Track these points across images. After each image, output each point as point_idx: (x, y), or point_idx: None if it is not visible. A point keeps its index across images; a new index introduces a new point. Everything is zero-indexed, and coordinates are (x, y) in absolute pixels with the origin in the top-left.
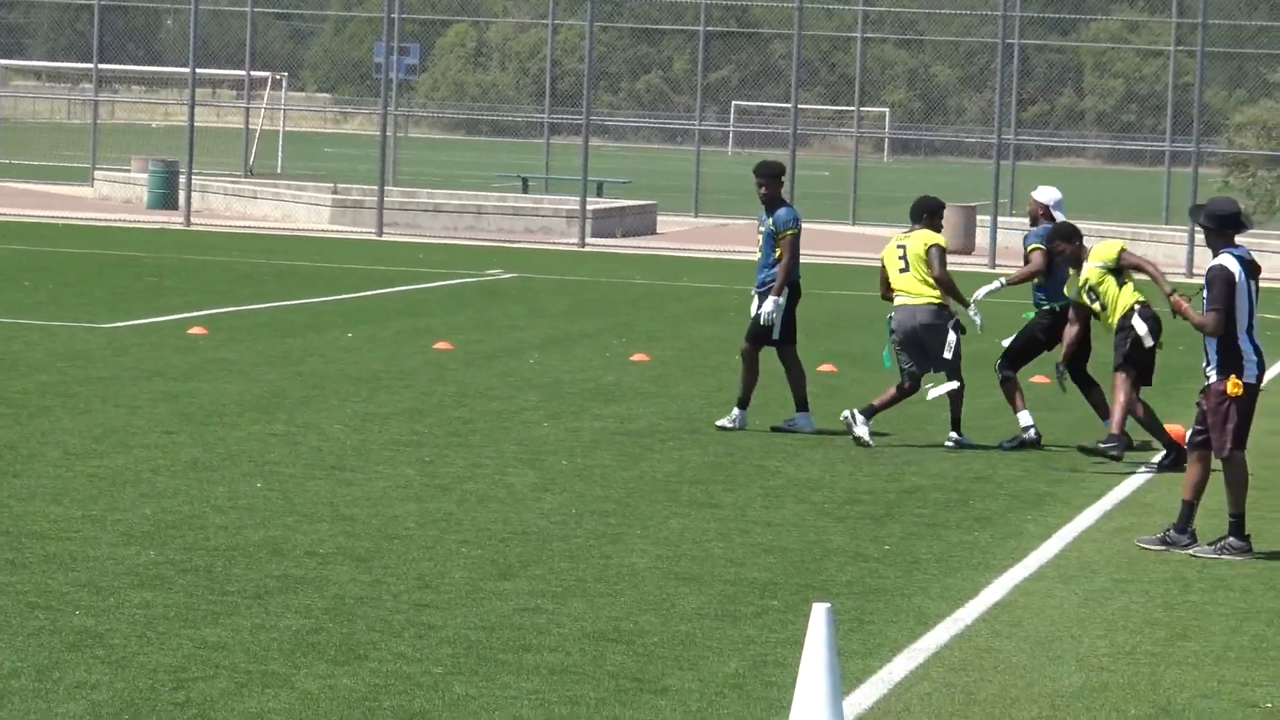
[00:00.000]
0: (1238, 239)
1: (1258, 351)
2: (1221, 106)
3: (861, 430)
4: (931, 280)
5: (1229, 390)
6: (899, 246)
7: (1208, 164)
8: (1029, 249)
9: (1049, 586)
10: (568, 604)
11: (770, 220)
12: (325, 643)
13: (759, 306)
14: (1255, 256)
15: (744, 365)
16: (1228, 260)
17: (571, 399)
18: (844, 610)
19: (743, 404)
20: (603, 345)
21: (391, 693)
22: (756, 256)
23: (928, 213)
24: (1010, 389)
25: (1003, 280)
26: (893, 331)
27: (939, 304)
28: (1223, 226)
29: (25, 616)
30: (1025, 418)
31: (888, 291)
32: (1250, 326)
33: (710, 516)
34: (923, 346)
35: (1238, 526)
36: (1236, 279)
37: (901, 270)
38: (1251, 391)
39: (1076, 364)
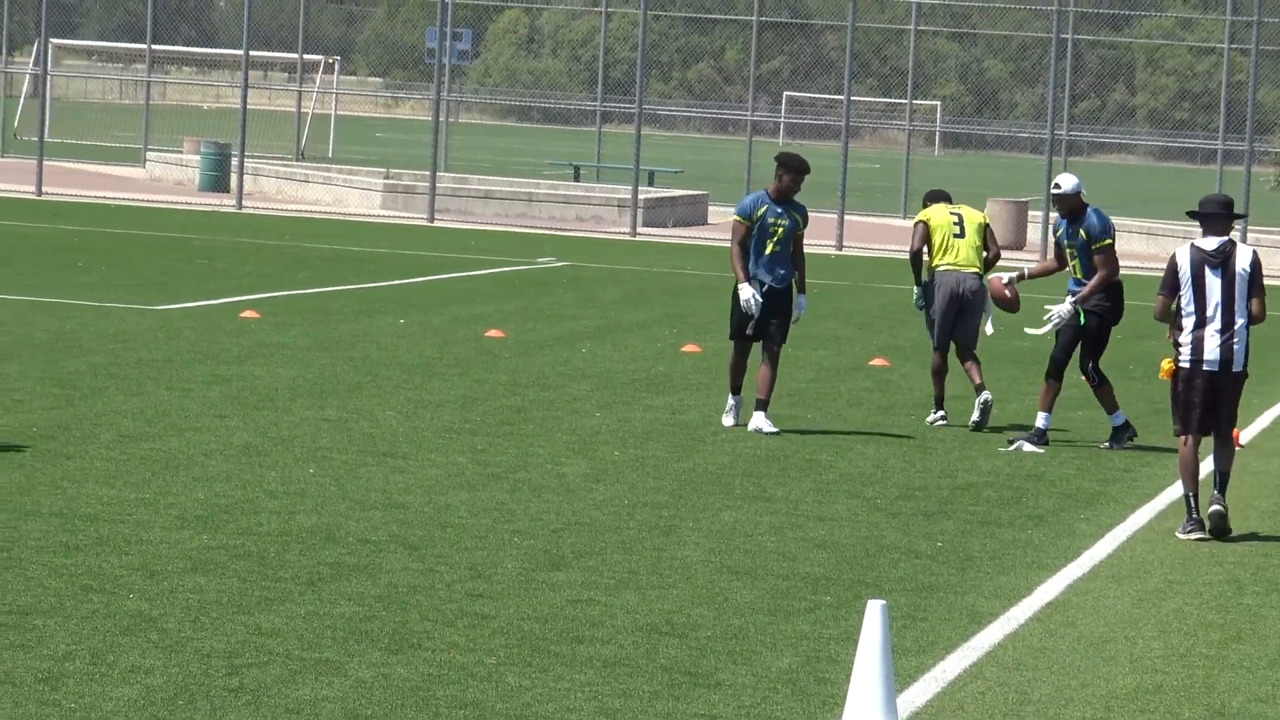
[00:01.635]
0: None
1: (1198, 340)
2: (1275, 105)
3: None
4: (982, 251)
5: (1161, 374)
6: (953, 213)
7: (1260, 163)
8: (1099, 245)
9: (1102, 586)
10: (620, 596)
11: (799, 215)
12: (378, 631)
13: (793, 304)
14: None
15: (739, 358)
16: (1179, 248)
17: (623, 389)
18: (897, 607)
19: (738, 389)
20: (654, 335)
21: (445, 682)
22: (767, 250)
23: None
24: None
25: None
26: (931, 299)
27: (980, 274)
28: (1225, 217)
29: (79, 599)
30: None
31: (919, 257)
32: (1204, 315)
33: (762, 510)
34: (962, 314)
35: (1189, 502)
36: (1178, 264)
37: (956, 235)
38: (1182, 375)
39: (1091, 359)
